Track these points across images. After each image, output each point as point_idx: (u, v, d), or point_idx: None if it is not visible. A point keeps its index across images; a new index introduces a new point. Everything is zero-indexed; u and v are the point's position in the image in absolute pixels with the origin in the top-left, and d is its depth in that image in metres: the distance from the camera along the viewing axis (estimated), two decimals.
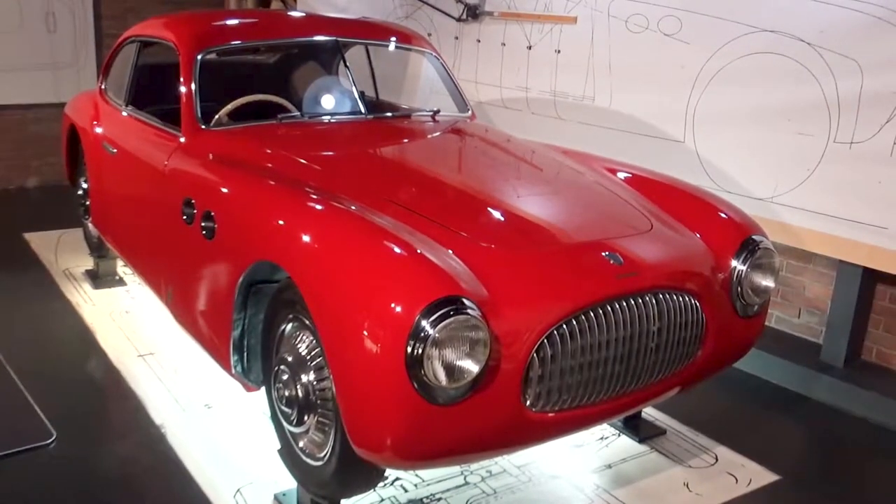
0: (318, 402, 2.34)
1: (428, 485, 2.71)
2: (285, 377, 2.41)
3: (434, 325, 1.96)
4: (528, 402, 2.19)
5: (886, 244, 3.35)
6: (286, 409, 2.43)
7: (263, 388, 2.68)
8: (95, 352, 3.60)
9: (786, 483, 2.90)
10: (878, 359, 3.73)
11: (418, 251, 2.14)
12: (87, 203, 4.23)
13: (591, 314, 2.25)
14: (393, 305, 1.99)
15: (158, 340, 3.72)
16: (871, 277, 3.63)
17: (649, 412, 3.26)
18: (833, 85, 3.44)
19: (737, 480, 2.89)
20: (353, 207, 2.41)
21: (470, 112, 3.80)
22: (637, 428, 3.13)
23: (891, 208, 3.32)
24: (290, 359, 2.40)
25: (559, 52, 4.66)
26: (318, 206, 2.41)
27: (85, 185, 4.30)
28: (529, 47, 4.84)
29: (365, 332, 2.01)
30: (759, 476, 2.92)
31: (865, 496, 2.88)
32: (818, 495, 2.86)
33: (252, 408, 3.14)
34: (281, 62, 4.45)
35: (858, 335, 3.72)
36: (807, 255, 3.88)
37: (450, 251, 2.26)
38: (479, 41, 5.17)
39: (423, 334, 1.96)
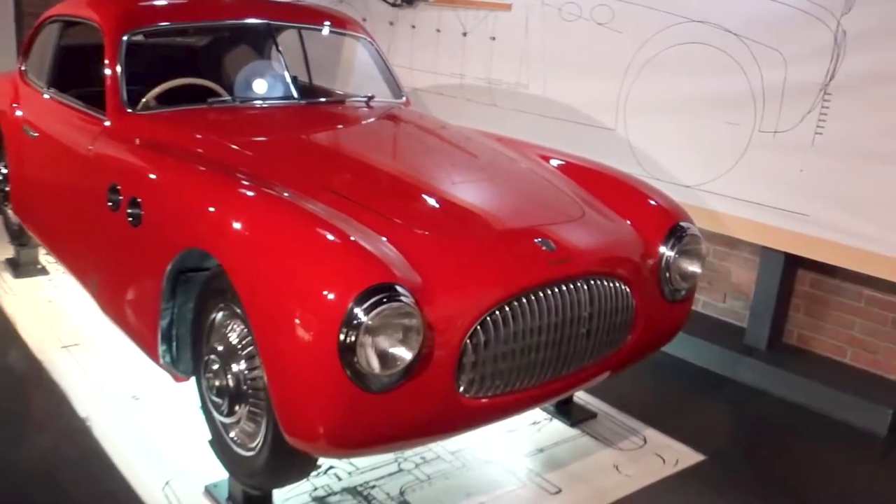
0: (250, 391, 2.31)
1: (362, 472, 2.71)
2: (216, 367, 2.37)
3: (367, 312, 1.95)
4: (461, 389, 2.20)
5: (807, 230, 3.47)
6: (217, 400, 2.39)
7: (193, 379, 2.63)
8: (16, 343, 3.48)
9: (711, 463, 2.98)
10: (799, 342, 3.87)
11: (351, 238, 2.13)
12: (7, 189, 4.07)
13: (524, 300, 2.26)
14: (325, 293, 1.97)
15: (83, 331, 3.62)
16: (793, 263, 3.75)
17: (580, 396, 3.32)
18: (759, 75, 3.53)
19: (664, 461, 2.96)
20: (285, 194, 2.38)
21: (404, 98, 3.78)
22: (568, 412, 3.17)
23: (812, 196, 3.43)
24: (220, 348, 2.37)
25: (494, 39, 4.67)
26: (250, 193, 2.38)
27: (4, 171, 4.14)
28: (465, 34, 4.83)
29: (297, 320, 1.98)
30: (686, 457, 3.00)
31: (786, 473, 2.98)
32: (742, 474, 2.95)
33: (181, 399, 3.08)
34: (211, 45, 4.35)
35: (780, 319, 3.85)
36: (732, 241, 3.99)
37: (383, 238, 2.25)
38: (413, 27, 5.14)
39: (355, 322, 1.95)
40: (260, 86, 3.50)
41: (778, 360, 3.69)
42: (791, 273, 3.80)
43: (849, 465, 3.09)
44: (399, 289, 2.02)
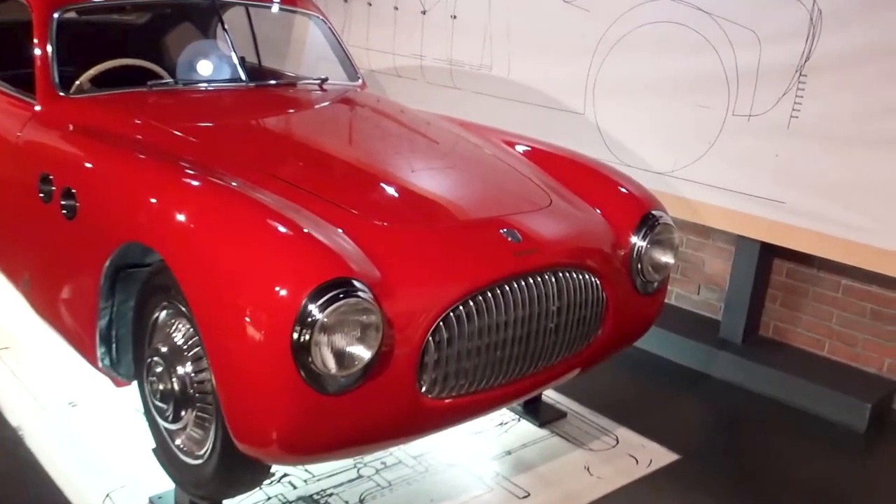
0: (197, 395, 2.29)
1: (318, 480, 2.70)
2: (159, 370, 2.35)
3: (322, 308, 1.94)
4: (423, 389, 2.21)
5: (784, 218, 3.53)
6: (161, 405, 2.37)
7: (135, 383, 2.61)
8: None
9: (685, 462, 3.03)
10: (776, 334, 3.94)
11: (304, 230, 2.12)
12: None
13: (489, 294, 2.27)
14: (277, 289, 1.96)
15: (14, 333, 3.55)
16: (769, 252, 3.81)
17: (549, 395, 3.34)
18: (732, 56, 3.58)
19: (637, 462, 3.00)
20: (233, 183, 2.37)
21: (360, 81, 3.77)
22: (537, 412, 3.20)
23: (788, 182, 3.49)
24: (164, 349, 2.34)
25: (455, 17, 4.67)
26: (194, 182, 2.35)
27: None
28: (424, 12, 4.82)
29: (247, 318, 1.97)
30: (660, 456, 3.04)
31: (763, 471, 3.04)
32: (717, 473, 3.00)
33: (122, 404, 3.04)
34: (151, 23, 4.29)
35: (756, 311, 3.92)
36: (706, 230, 4.05)
37: (339, 230, 2.24)
38: (370, 4, 5.12)
39: (310, 319, 1.94)
40: (204, 67, 3.46)
41: (754, 354, 3.76)
42: (767, 263, 3.87)
43: (828, 462, 3.16)
44: (356, 283, 2.01)
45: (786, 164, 3.49)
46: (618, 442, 3.12)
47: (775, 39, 3.45)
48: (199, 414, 2.31)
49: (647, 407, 3.45)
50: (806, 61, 3.37)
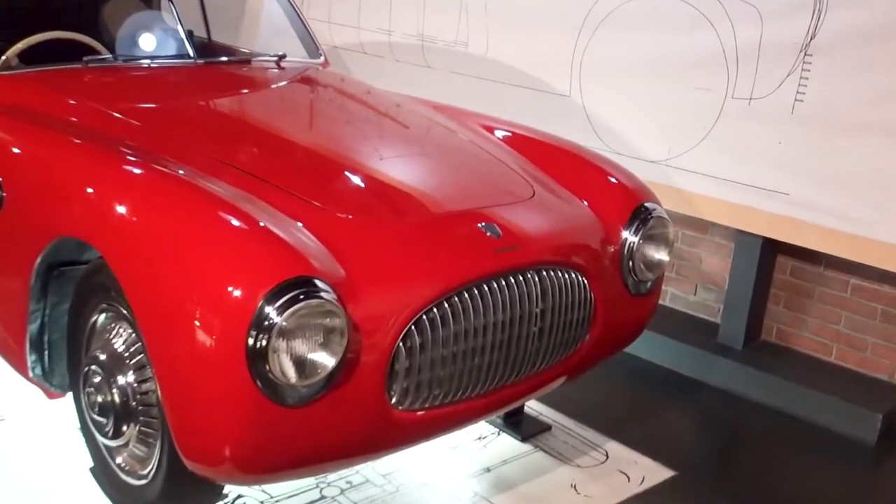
0: (140, 408, 2.28)
1: (277, 501, 2.69)
2: (98, 379, 2.33)
3: (280, 311, 1.93)
4: (393, 400, 2.20)
5: (788, 211, 3.56)
6: (100, 419, 2.35)
7: (70, 395, 2.59)
8: None
9: (682, 478, 3.05)
10: (779, 338, 3.98)
11: (260, 223, 2.11)
12: None
13: (466, 295, 2.28)
14: (230, 289, 1.95)
15: None
16: (772, 249, 3.85)
17: (533, 406, 3.36)
18: (731, 34, 3.60)
19: (629, 479, 3.02)
20: (179, 171, 2.35)
21: (322, 58, 3.75)
22: (519, 425, 3.21)
23: (792, 172, 3.53)
24: (103, 357, 2.33)
25: None
26: (137, 170, 2.34)
27: None
28: None
29: (196, 322, 1.97)
30: (653, 473, 3.06)
31: (765, 487, 3.07)
32: (716, 490, 3.03)
33: (56, 419, 3.00)
34: None
35: (758, 313, 3.95)
36: (704, 224, 4.08)
37: (299, 223, 2.24)
38: None
39: (267, 323, 1.93)
40: (147, 42, 3.43)
41: (755, 360, 3.79)
42: (769, 260, 3.90)
43: (835, 477, 3.20)
44: (318, 283, 2.01)
45: (790, 152, 3.52)
46: (607, 457, 3.13)
47: (778, 15, 3.48)
48: (143, 429, 2.30)
49: (640, 419, 3.47)
50: (811, 39, 3.40)
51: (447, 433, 2.48)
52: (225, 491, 2.50)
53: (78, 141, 2.53)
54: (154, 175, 2.31)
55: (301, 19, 3.81)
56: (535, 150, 3.09)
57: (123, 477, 2.41)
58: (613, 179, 2.95)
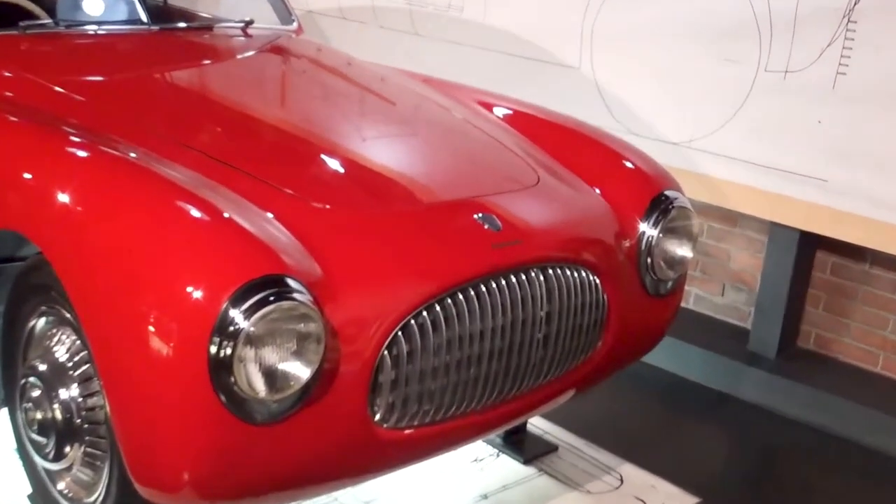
0: (85, 426, 2.27)
1: None
2: (37, 394, 2.32)
3: (248, 315, 1.93)
4: (377, 416, 2.20)
5: (828, 201, 3.57)
6: (39, 439, 2.34)
7: (5, 411, 2.58)
8: None
9: None
10: (817, 345, 3.99)
11: (224, 215, 2.11)
12: None
13: (461, 297, 2.27)
14: (190, 290, 1.95)
15: None
16: (811, 244, 3.86)
17: (537, 424, 3.36)
18: None
19: None
20: (131, 154, 2.35)
21: (295, 24, 3.75)
22: (521, 445, 3.21)
23: (834, 156, 3.53)
24: (43, 367, 2.32)
25: None
26: (81, 153, 2.33)
27: None
28: None
29: (151, 328, 1.96)
30: (675, 500, 3.07)
31: None
32: None
33: None
34: None
35: (794, 317, 3.96)
36: (732, 215, 4.08)
37: (269, 214, 2.23)
38: None
39: (232, 328, 1.93)
40: (93, 5, 3.41)
41: (791, 371, 3.80)
42: (808, 257, 3.91)
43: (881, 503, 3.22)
44: (291, 283, 2.00)
45: (830, 133, 3.53)
46: (622, 482, 3.14)
47: None
48: (89, 450, 2.29)
49: (659, 438, 3.47)
50: (856, 4, 3.41)
51: (439, 455, 2.47)
52: None
53: (13, 119, 2.52)
54: (101, 159, 2.30)
55: None
56: (539, 130, 3.09)
57: None
58: (629, 164, 2.96)
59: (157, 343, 1.96)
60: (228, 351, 1.93)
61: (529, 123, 3.14)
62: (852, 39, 3.44)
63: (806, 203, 3.62)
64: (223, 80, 3.24)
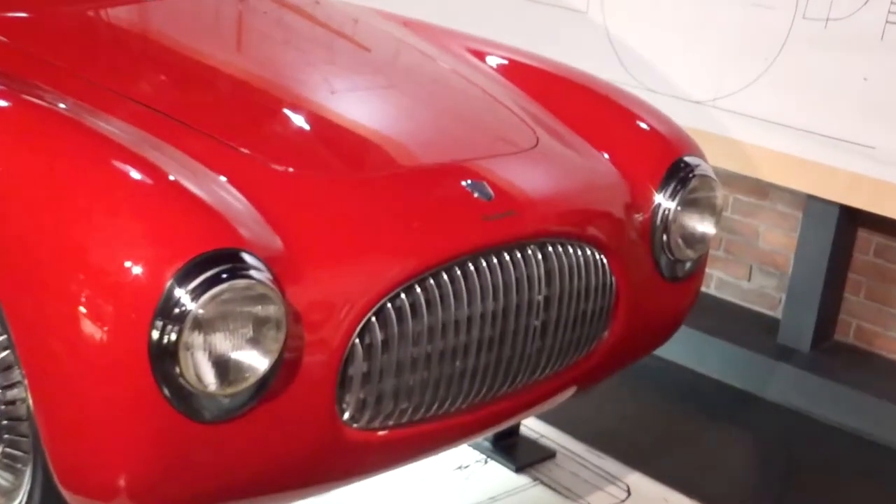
0: (4, 422, 2.25)
1: None
2: None
3: (195, 295, 1.92)
4: (346, 415, 2.21)
5: (873, 171, 3.57)
6: None
7: None
8: None
9: None
10: (858, 338, 4.01)
11: (170, 177, 2.10)
12: None
13: (445, 277, 2.27)
14: (128, 265, 1.94)
15: None
16: (851, 221, 3.87)
17: (531, 426, 3.37)
18: None
19: None
20: (60, 105, 2.33)
21: None
22: (513, 450, 3.22)
23: (881, 118, 3.53)
24: None
25: None
26: (0, 102, 2.32)
27: None
28: None
29: (81, 309, 1.95)
30: None
31: None
32: None
33: None
34: None
35: (831, 305, 3.98)
36: (762, 187, 4.09)
37: (221, 177, 2.22)
38: None
39: (178, 311, 1.92)
40: None
41: (827, 367, 3.82)
42: (848, 236, 3.92)
43: None
44: (247, 258, 1.99)
45: (878, 91, 3.53)
46: (629, 493, 3.15)
47: None
48: (8, 450, 2.28)
49: (672, 444, 3.49)
50: None
51: (418, 460, 2.48)
52: None
53: None
54: (24, 109, 2.29)
55: None
56: (539, 83, 3.09)
57: None
58: (644, 125, 2.96)
59: (88, 327, 1.95)
60: (173, 337, 1.92)
61: (528, 76, 3.13)
62: None
63: (848, 173, 3.63)
64: (169, 19, 3.20)
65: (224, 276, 1.94)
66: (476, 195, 2.41)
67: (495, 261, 2.36)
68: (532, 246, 2.43)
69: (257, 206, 2.18)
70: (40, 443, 2.11)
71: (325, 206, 2.28)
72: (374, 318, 2.18)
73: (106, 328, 1.94)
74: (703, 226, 2.84)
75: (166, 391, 1.95)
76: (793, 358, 3.88)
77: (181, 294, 1.92)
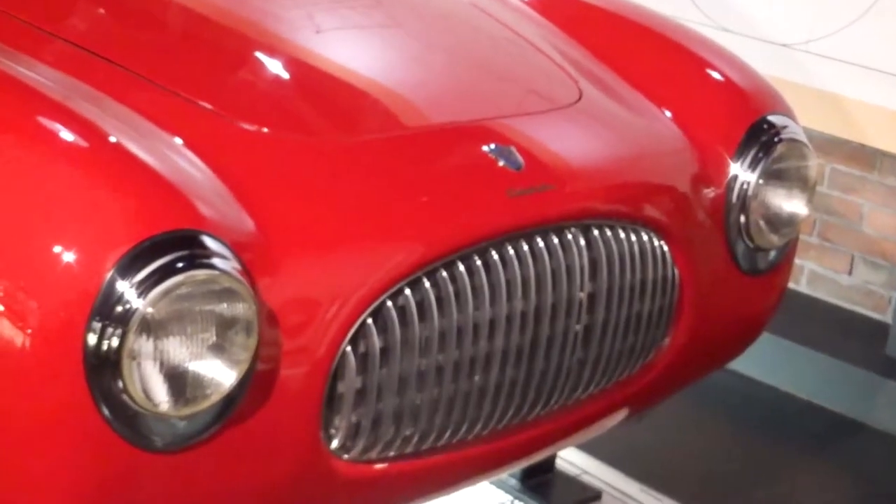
0: None
1: None
2: None
3: (144, 289, 1.92)
4: (334, 444, 2.21)
5: None
6: None
7: None
8: None
9: None
10: None
11: (110, 139, 2.10)
12: None
13: (461, 268, 2.28)
14: (58, 250, 1.94)
15: None
16: None
17: (570, 459, 3.37)
18: None
19: None
20: None
21: None
22: (547, 489, 3.22)
23: None
24: None
25: None
26: None
27: None
28: None
29: (0, 308, 1.95)
30: None
31: None
32: None
33: None
34: None
35: None
36: (867, 155, 4.08)
37: (177, 139, 2.23)
38: None
39: (121, 309, 1.92)
40: None
41: None
42: None
43: None
44: (209, 242, 2.00)
45: None
46: None
47: None
48: None
49: (751, 482, 3.49)
50: None
51: (425, 501, 2.49)
52: None
53: None
54: None
55: None
56: (584, 22, 3.10)
57: None
58: (716, 75, 2.96)
59: (7, 330, 1.95)
60: (114, 342, 1.92)
61: (570, 12, 3.14)
62: None
63: None
64: None
65: (179, 265, 1.94)
66: (501, 163, 2.42)
67: (525, 248, 2.36)
68: (573, 229, 2.44)
69: (222, 176, 2.18)
70: None
71: (309, 176, 2.29)
72: (370, 321, 2.18)
73: (29, 331, 1.93)
74: (791, 204, 2.84)
75: (105, 411, 1.95)
76: None
77: (125, 288, 1.92)
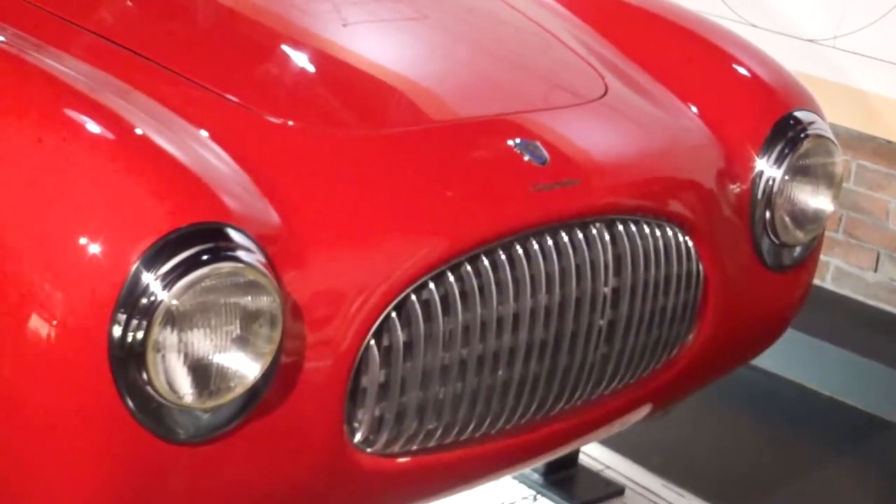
0: None
1: None
2: None
3: (169, 281, 1.93)
4: (357, 437, 2.22)
5: None
6: None
7: None
8: None
9: None
10: None
11: (136, 130, 2.11)
12: None
13: (485, 262, 2.28)
14: (83, 243, 1.94)
15: None
16: None
17: (593, 454, 3.37)
18: None
19: None
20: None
21: None
22: (570, 484, 3.23)
23: None
24: None
25: None
26: None
27: None
28: None
29: (24, 300, 1.96)
30: None
31: None
32: None
33: None
34: None
35: None
36: (894, 151, 4.06)
37: (202, 132, 2.23)
38: None
39: (146, 301, 1.92)
40: None
41: None
42: None
43: None
44: (234, 235, 2.00)
45: None
46: None
47: None
48: None
49: (775, 480, 3.48)
50: None
51: (448, 495, 2.49)
52: None
53: None
54: None
55: None
56: (611, 16, 3.10)
57: None
58: (742, 70, 2.96)
59: (33, 322, 1.95)
60: (139, 334, 1.92)
61: (596, 6, 3.14)
62: None
63: None
64: None
65: (204, 257, 1.95)
66: (526, 158, 2.42)
67: (550, 242, 2.36)
68: (597, 224, 2.44)
69: (247, 169, 2.18)
70: None
71: (334, 170, 2.29)
72: (394, 314, 2.19)
73: (55, 323, 1.94)
74: (817, 200, 2.83)
75: (130, 403, 1.95)
76: None
77: (150, 280, 1.92)
